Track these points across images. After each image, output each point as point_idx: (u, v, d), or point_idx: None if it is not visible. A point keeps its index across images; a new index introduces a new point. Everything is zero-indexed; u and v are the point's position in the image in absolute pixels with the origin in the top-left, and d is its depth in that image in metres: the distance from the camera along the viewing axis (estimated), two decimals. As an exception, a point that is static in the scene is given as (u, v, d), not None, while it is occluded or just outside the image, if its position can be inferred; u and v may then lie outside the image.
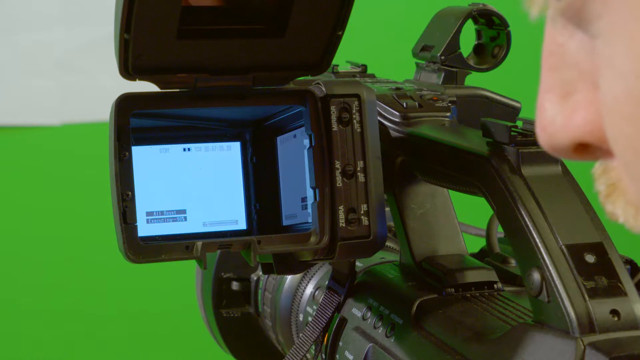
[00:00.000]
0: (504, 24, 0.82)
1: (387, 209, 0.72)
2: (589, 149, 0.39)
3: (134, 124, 0.66)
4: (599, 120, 0.37)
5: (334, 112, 0.69)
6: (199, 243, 0.65)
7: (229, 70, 0.67)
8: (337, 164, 0.68)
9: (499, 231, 0.79)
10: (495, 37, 0.83)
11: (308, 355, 0.78)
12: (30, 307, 1.93)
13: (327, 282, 0.79)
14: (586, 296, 0.56)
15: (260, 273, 0.95)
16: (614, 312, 0.56)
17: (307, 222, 0.69)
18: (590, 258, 0.58)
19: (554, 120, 0.39)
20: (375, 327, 0.72)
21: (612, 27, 0.35)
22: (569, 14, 0.37)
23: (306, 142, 0.69)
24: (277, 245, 0.68)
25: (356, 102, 0.69)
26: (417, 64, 0.86)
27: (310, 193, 0.69)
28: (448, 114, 0.75)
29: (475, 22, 0.83)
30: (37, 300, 1.94)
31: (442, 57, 0.81)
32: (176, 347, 2.01)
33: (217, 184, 0.74)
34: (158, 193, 0.71)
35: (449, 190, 0.75)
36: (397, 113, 0.74)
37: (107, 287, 1.96)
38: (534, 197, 0.60)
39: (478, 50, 0.84)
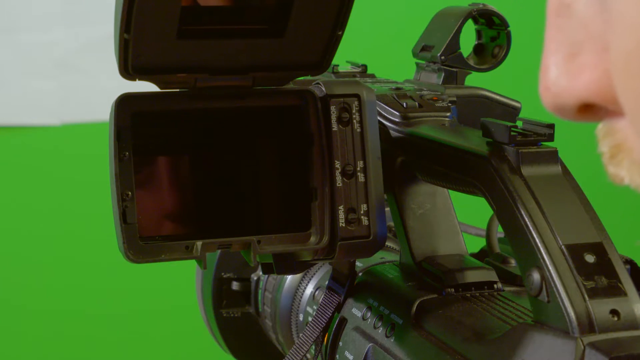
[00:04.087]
0: (504, 24, 0.82)
1: (387, 209, 0.72)
2: (594, 110, 0.39)
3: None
4: (606, 80, 0.37)
5: (334, 112, 0.69)
6: (199, 243, 0.65)
7: (229, 70, 0.67)
8: (337, 164, 0.68)
9: (499, 231, 0.79)
10: (495, 37, 0.83)
11: (308, 355, 0.78)
12: (31, 307, 1.93)
13: (327, 282, 0.79)
14: (586, 296, 0.56)
15: (260, 273, 0.95)
16: (614, 312, 0.56)
17: (307, 222, 0.69)
18: (590, 258, 0.58)
19: (559, 80, 0.38)
20: (375, 327, 0.72)
21: None
22: None
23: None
24: (277, 245, 0.68)
25: (356, 102, 0.69)
26: (417, 64, 0.86)
27: (310, 193, 0.69)
28: (448, 114, 0.75)
29: (475, 22, 0.83)
30: (37, 300, 1.94)
31: (442, 57, 0.81)
32: (176, 347, 2.01)
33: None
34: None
35: (449, 190, 0.75)
36: (397, 113, 0.74)
37: (107, 287, 1.96)
38: (534, 197, 0.60)
39: (478, 50, 0.84)
